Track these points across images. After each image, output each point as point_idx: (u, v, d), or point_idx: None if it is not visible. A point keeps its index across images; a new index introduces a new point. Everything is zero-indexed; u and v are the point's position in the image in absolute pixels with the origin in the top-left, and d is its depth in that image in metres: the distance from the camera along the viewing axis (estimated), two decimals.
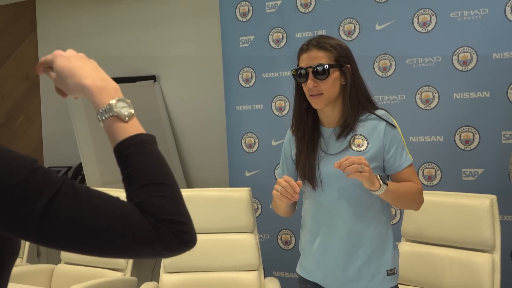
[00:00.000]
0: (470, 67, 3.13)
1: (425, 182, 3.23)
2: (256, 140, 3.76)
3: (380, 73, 3.37)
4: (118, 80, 4.23)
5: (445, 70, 3.19)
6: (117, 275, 3.12)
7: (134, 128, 1.01)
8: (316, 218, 2.06)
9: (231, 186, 3.75)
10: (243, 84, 3.79)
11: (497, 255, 2.42)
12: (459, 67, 3.15)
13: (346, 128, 1.98)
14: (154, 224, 0.90)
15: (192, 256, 2.95)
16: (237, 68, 3.81)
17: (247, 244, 2.96)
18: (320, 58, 1.93)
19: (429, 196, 2.58)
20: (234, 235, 2.99)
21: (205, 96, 4.51)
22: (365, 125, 1.98)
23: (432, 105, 3.22)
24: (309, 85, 1.93)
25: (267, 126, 3.72)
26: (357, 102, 1.98)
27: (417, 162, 3.26)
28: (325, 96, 1.94)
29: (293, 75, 1.99)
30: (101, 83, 1.02)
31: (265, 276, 2.98)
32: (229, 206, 3.00)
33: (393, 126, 1.99)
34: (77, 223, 0.86)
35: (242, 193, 3.01)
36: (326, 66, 1.91)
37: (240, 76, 3.80)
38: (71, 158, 5.03)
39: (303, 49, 1.99)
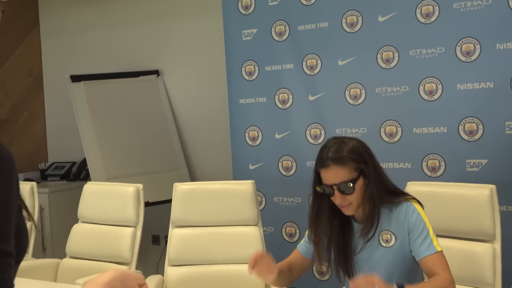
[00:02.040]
0: (473, 58, 3.18)
1: (429, 174, 3.28)
2: (260, 133, 3.82)
3: (383, 65, 3.42)
4: (121, 75, 4.32)
5: (449, 61, 3.23)
6: (122, 268, 3.20)
7: None
8: None
9: (235, 179, 3.80)
10: (246, 78, 3.85)
11: (497, 245, 2.46)
12: (463, 58, 3.20)
13: (368, 224, 2.09)
14: None
15: (196, 249, 3.02)
16: (240, 61, 3.86)
17: (251, 236, 3.02)
18: (341, 175, 2.02)
19: (429, 187, 2.63)
20: (238, 228, 3.05)
21: (208, 90, 4.56)
22: (391, 217, 2.10)
23: (436, 96, 3.28)
24: (337, 201, 2.05)
25: (270, 119, 3.77)
26: (379, 197, 2.08)
27: (420, 153, 3.32)
28: (355, 205, 2.07)
29: (318, 191, 2.08)
30: None
31: None
32: (233, 199, 3.06)
33: (417, 212, 2.08)
34: None
35: (246, 186, 3.07)
36: (350, 184, 2.02)
37: (243, 69, 3.86)
38: (75, 153, 5.10)
39: (322, 165, 2.06)
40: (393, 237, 2.09)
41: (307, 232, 2.29)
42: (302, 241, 2.32)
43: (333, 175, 2.03)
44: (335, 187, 2.03)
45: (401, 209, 2.11)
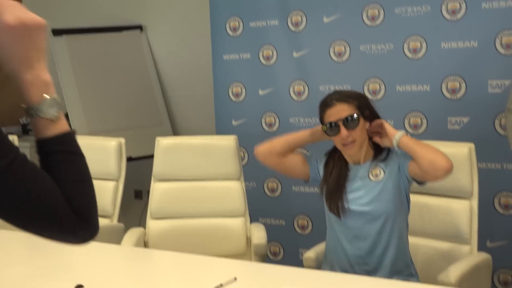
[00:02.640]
0: (459, 16, 3.18)
1: (410, 131, 3.32)
2: (243, 89, 3.82)
3: (368, 22, 3.41)
4: (104, 29, 4.26)
5: (434, 19, 3.23)
6: (104, 221, 3.22)
7: (60, 126, 1.00)
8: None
9: (217, 135, 3.83)
10: (230, 33, 3.83)
11: (474, 202, 2.51)
12: (448, 17, 3.21)
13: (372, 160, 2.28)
14: (73, 218, 1.00)
15: (179, 202, 3.05)
16: (224, 17, 3.83)
17: (233, 190, 3.05)
18: (346, 110, 2.19)
19: None
20: (221, 182, 3.07)
21: (192, 45, 4.53)
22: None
23: (420, 55, 3.29)
24: (343, 135, 2.18)
25: (254, 75, 3.77)
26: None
27: (403, 110, 3.35)
28: (357, 142, 2.21)
29: (324, 131, 2.23)
30: (31, 77, 0.97)
31: (251, 222, 3.09)
32: (216, 154, 3.08)
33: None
34: (21, 193, 0.92)
35: (228, 141, 3.09)
36: (356, 116, 2.18)
37: (227, 25, 3.83)
38: None
39: (327, 105, 2.23)
40: (381, 171, 2.23)
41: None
42: (310, 154, 2.48)
43: (338, 111, 2.18)
44: (340, 122, 2.17)
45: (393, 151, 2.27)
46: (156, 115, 4.63)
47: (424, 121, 3.29)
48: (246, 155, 3.86)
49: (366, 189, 2.24)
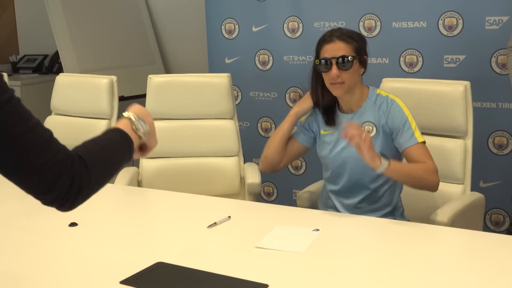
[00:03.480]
0: None
1: (406, 69, 3.30)
2: (236, 26, 3.77)
3: None
4: None
5: None
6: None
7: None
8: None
9: (210, 73, 3.80)
10: None
11: (469, 141, 2.51)
12: None
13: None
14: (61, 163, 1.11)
15: (172, 141, 3.05)
16: None
17: (226, 129, 3.05)
18: (343, 49, 2.14)
19: (403, 83, 2.65)
20: (214, 121, 3.06)
21: None
22: (374, 109, 2.22)
23: None
24: (332, 74, 2.14)
25: (247, 11, 3.70)
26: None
27: (399, 48, 3.32)
28: (346, 85, 2.17)
29: (316, 64, 2.20)
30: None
31: (245, 162, 3.11)
32: (209, 92, 3.06)
33: (399, 108, 2.20)
34: (17, 130, 1.05)
35: (221, 79, 3.06)
36: (350, 58, 2.13)
37: None
38: (47, 46, 5.01)
39: (326, 40, 2.19)
40: (374, 128, 2.21)
41: (300, 121, 2.40)
42: (296, 131, 2.40)
43: (335, 48, 2.15)
44: (334, 61, 2.13)
45: (384, 103, 2.22)
46: (147, 53, 4.59)
47: (420, 59, 3.27)
48: (240, 94, 3.85)
49: None
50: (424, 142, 2.16)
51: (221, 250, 1.82)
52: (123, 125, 1.31)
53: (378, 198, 2.25)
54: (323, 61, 2.16)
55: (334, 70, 2.13)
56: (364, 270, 1.64)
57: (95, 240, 1.90)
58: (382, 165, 1.98)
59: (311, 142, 2.38)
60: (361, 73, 2.22)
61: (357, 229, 1.97)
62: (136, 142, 1.32)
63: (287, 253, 1.75)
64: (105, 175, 1.22)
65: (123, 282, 1.54)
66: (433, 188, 2.15)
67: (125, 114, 1.33)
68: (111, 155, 1.24)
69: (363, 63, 2.21)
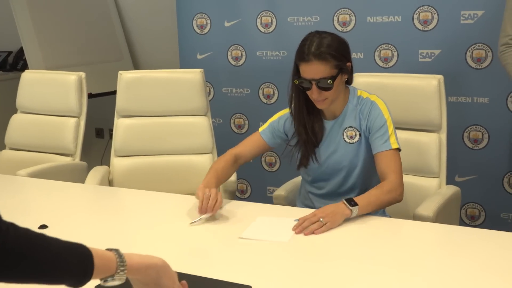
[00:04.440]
0: None
1: (381, 64, 3.32)
2: (208, 21, 3.74)
3: None
4: None
5: None
6: (66, 159, 3.18)
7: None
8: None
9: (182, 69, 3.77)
10: None
11: (443, 135, 2.52)
12: None
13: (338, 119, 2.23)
14: None
15: (144, 139, 3.01)
16: None
17: (200, 126, 3.02)
18: (321, 71, 2.06)
19: (377, 78, 2.66)
20: (187, 118, 3.03)
21: None
22: (356, 114, 2.19)
23: None
24: (313, 95, 2.10)
25: (220, 6, 3.67)
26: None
27: (373, 43, 3.33)
28: (330, 100, 2.13)
29: (296, 84, 2.13)
30: None
31: None
32: (181, 88, 3.02)
33: (379, 110, 2.18)
34: None
35: (194, 75, 3.03)
36: (330, 81, 2.06)
37: None
38: (11, 42, 4.92)
39: (303, 59, 2.08)
40: (357, 133, 2.20)
41: (270, 121, 2.35)
42: (264, 129, 2.35)
43: (314, 70, 2.06)
44: (314, 82, 2.07)
45: (365, 106, 2.20)
46: (115, 49, 4.53)
47: (395, 53, 3.29)
48: (212, 90, 3.82)
49: (341, 151, 2.22)
50: (398, 149, 2.15)
51: (202, 247, 1.81)
52: (105, 256, 1.08)
53: None
54: (302, 81, 2.10)
55: (315, 92, 2.09)
56: (349, 259, 1.66)
57: None
58: (353, 213, 1.94)
59: (277, 143, 2.35)
60: (345, 79, 2.18)
61: (334, 231, 1.95)
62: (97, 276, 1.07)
63: (271, 243, 1.78)
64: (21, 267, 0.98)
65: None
66: (398, 201, 2.13)
67: (128, 258, 1.12)
68: (46, 257, 1.01)
69: (346, 70, 2.14)
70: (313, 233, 1.85)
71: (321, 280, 1.54)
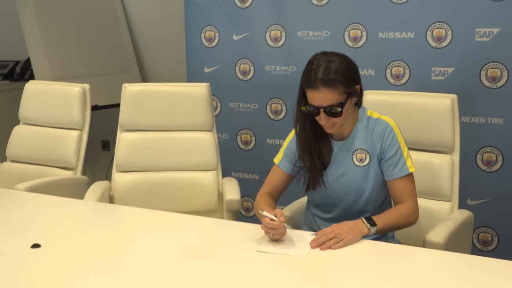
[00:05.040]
0: None
1: (392, 81, 3.25)
2: (217, 34, 3.69)
3: None
4: None
5: None
6: (67, 173, 3.13)
7: None
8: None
9: (189, 82, 3.73)
10: None
11: (456, 157, 2.45)
12: None
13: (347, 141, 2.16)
14: None
15: (147, 154, 2.96)
16: None
17: (205, 142, 2.97)
18: (330, 98, 1.99)
19: (387, 96, 2.59)
20: (192, 133, 2.98)
21: None
22: (366, 136, 2.13)
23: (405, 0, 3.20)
24: (322, 122, 2.04)
25: (228, 19, 3.63)
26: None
27: (385, 59, 3.27)
28: (339, 125, 2.07)
29: (302, 110, 2.06)
30: None
31: (223, 176, 3.03)
32: (187, 102, 2.97)
33: (393, 133, 2.12)
34: None
35: (200, 89, 2.98)
36: (339, 109, 1.99)
37: None
38: (19, 52, 4.91)
39: (310, 85, 2.00)
40: (367, 156, 2.12)
41: (283, 149, 2.25)
42: (281, 160, 2.25)
43: (322, 97, 1.99)
44: (321, 109, 2.00)
45: (377, 127, 2.13)
46: (124, 61, 4.50)
47: (407, 71, 3.22)
48: (219, 104, 3.77)
49: (350, 174, 2.14)
50: (412, 173, 2.11)
51: (215, 263, 1.77)
52: None
53: None
54: (310, 107, 2.03)
55: (323, 118, 2.02)
56: (360, 281, 1.63)
57: (59, 263, 1.78)
58: (371, 232, 1.96)
59: (297, 170, 2.24)
60: (354, 102, 2.10)
61: (350, 251, 1.88)
62: None
63: (288, 257, 1.79)
64: None
65: None
66: (412, 225, 2.13)
67: None
68: None
69: (356, 94, 2.06)
70: (329, 248, 1.84)
71: None
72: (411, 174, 2.12)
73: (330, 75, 1.98)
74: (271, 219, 1.88)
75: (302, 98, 2.07)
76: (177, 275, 1.69)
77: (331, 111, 2.00)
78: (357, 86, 2.07)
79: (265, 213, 1.91)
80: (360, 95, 2.11)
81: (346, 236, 1.88)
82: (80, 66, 4.22)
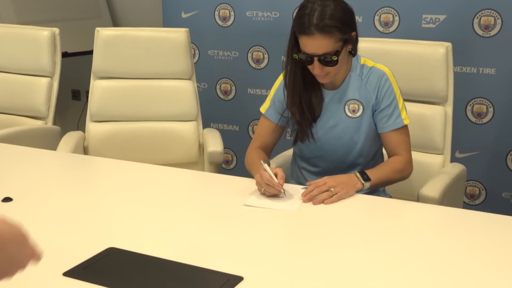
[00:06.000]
0: None
1: (381, 29, 3.15)
2: None
3: None
4: None
5: None
6: (37, 123, 3.02)
7: None
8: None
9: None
10: None
11: (449, 108, 2.40)
12: None
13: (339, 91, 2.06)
14: None
15: (123, 103, 2.84)
16: None
17: (184, 91, 2.85)
18: (326, 45, 1.87)
19: (379, 44, 2.50)
20: (170, 81, 2.86)
21: None
22: (360, 86, 2.03)
23: None
24: (315, 71, 1.93)
25: None
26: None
27: (373, 6, 3.17)
28: (332, 74, 1.96)
29: (295, 58, 1.94)
30: None
31: (203, 127, 2.94)
32: (165, 48, 2.84)
33: (389, 82, 2.04)
34: None
35: (179, 34, 2.85)
36: (335, 57, 1.89)
37: None
38: None
39: (303, 31, 1.88)
40: (360, 107, 2.04)
41: (269, 98, 2.14)
42: (267, 109, 2.14)
43: (316, 44, 1.87)
44: (315, 58, 1.89)
45: (372, 76, 2.04)
46: (93, 5, 4.35)
47: (396, 18, 3.12)
48: (197, 52, 3.65)
49: (341, 125, 2.05)
50: (407, 125, 2.05)
51: (200, 218, 1.69)
52: None
53: None
54: (302, 55, 1.91)
55: (317, 67, 1.91)
56: (354, 236, 1.58)
57: (32, 219, 1.65)
58: (365, 187, 1.91)
59: (284, 121, 2.13)
60: (349, 50, 1.98)
61: (343, 205, 1.81)
62: None
63: (278, 211, 1.72)
64: None
65: (66, 273, 1.31)
66: (406, 178, 2.09)
67: None
68: None
69: (351, 41, 1.95)
70: (322, 202, 1.78)
71: (326, 253, 1.48)
72: (405, 126, 2.05)
73: (325, 20, 1.86)
74: (271, 176, 1.79)
75: (294, 45, 1.95)
76: (157, 231, 1.59)
77: (326, 60, 1.89)
78: (353, 33, 1.95)
79: (266, 165, 1.82)
80: (355, 43, 1.99)
81: (340, 190, 1.81)
82: (48, 10, 4.09)
